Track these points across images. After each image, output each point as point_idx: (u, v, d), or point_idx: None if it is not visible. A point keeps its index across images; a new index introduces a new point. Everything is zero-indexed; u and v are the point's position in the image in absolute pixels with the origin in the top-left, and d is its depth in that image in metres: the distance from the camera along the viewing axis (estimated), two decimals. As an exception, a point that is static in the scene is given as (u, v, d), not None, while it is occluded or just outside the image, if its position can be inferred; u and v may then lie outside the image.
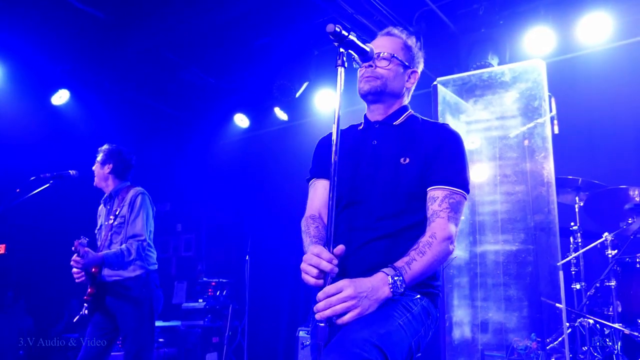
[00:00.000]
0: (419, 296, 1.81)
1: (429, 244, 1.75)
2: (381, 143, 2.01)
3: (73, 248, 3.33)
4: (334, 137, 1.68)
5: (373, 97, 2.04)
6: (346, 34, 1.69)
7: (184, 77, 6.46)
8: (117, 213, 3.67)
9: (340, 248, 1.64)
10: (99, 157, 3.83)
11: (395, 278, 1.64)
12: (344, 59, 1.74)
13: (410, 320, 1.70)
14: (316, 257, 1.62)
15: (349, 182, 1.93)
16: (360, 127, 2.14)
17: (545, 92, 4.27)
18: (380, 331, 1.55)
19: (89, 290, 3.51)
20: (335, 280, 1.63)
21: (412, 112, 2.12)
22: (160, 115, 7.33)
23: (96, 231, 3.85)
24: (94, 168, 3.85)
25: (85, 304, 3.51)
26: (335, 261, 1.61)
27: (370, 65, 2.00)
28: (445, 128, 2.00)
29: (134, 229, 3.60)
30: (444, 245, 1.77)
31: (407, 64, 2.07)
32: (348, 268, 1.75)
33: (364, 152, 2.01)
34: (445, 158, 1.90)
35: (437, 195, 1.85)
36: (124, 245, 3.52)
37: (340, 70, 1.74)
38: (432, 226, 1.81)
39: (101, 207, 3.89)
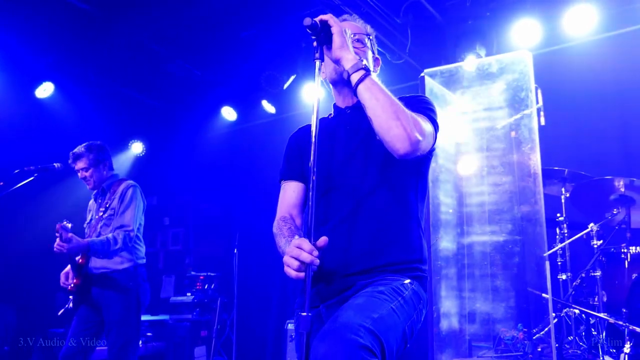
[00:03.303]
0: (408, 280, 1.78)
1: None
2: (355, 125, 1.97)
3: (56, 233, 3.22)
4: (313, 131, 1.66)
5: None
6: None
7: (170, 69, 6.38)
8: (107, 205, 3.63)
9: (323, 239, 1.60)
10: (88, 162, 3.65)
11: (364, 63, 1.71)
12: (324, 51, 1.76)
13: (402, 304, 1.66)
14: (297, 249, 1.56)
15: (325, 169, 1.91)
16: (331, 116, 2.10)
17: (532, 83, 4.29)
18: (374, 315, 1.51)
19: (75, 281, 3.46)
20: (317, 271, 1.60)
21: None
22: (146, 108, 7.24)
23: (85, 225, 3.80)
24: (87, 173, 3.66)
25: (70, 296, 3.47)
26: (316, 252, 1.56)
27: None
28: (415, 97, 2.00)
29: (123, 219, 3.57)
30: (412, 119, 1.68)
31: (374, 49, 2.08)
32: (326, 252, 1.65)
33: (337, 137, 1.98)
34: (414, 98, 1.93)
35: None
36: (110, 235, 3.48)
37: (318, 64, 1.75)
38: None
39: (92, 202, 3.85)
